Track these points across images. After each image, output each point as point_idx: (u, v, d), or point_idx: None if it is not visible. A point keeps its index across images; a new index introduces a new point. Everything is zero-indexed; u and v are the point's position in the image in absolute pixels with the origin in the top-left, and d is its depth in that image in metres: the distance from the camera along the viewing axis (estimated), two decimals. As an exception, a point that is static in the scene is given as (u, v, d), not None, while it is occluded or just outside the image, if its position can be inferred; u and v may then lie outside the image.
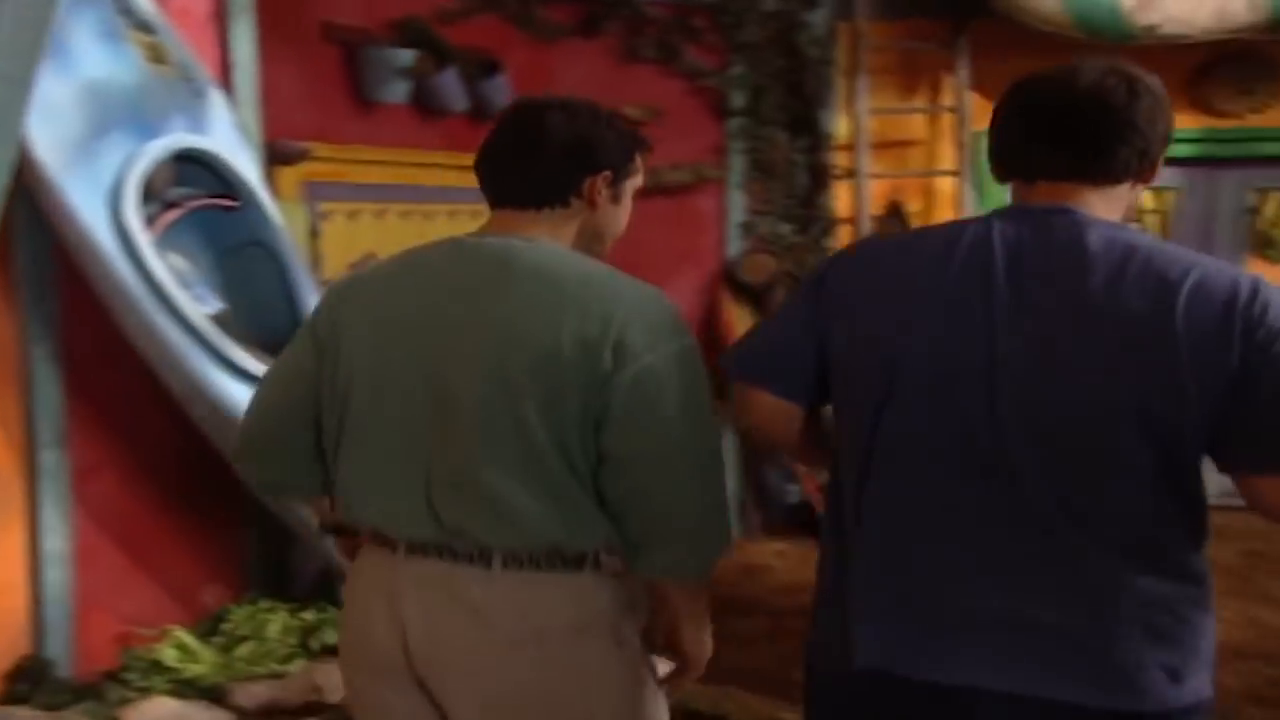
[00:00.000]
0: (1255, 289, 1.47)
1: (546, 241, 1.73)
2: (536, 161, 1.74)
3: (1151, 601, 1.47)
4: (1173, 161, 5.95)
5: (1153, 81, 1.65)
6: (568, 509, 1.62)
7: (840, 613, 1.60)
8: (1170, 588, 1.49)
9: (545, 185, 1.75)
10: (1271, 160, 5.98)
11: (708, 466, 1.70)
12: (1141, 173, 1.63)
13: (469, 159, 5.38)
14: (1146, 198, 6.09)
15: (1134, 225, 1.61)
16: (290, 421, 1.81)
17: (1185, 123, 5.88)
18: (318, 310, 1.85)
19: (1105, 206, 1.61)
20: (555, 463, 1.60)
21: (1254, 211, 6.11)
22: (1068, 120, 1.61)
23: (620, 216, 1.88)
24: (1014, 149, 1.68)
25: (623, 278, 1.72)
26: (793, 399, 1.72)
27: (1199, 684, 1.50)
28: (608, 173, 1.79)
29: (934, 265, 1.59)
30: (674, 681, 1.82)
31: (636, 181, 1.90)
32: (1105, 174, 1.61)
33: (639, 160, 1.89)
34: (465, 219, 4.95)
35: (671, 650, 1.80)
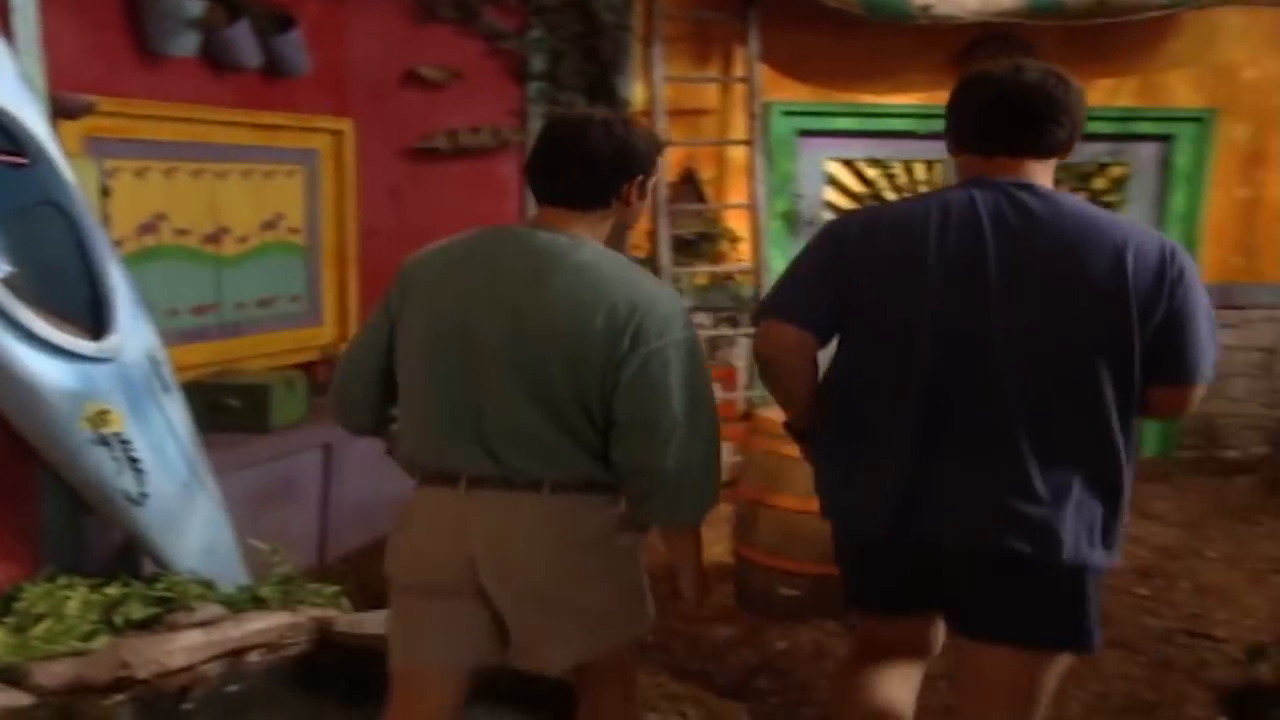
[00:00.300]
0: (1174, 253, 2.05)
1: (589, 239, 2.15)
2: (585, 173, 2.13)
3: (1084, 499, 2.06)
4: (941, 136, 6.40)
5: (1074, 80, 2.14)
6: (593, 453, 2.10)
7: (882, 496, 2.15)
8: (1099, 493, 2.08)
9: (592, 192, 2.15)
10: (1029, 137, 6.45)
11: (695, 434, 2.10)
12: (1067, 149, 2.16)
13: (264, 116, 5.30)
14: (920, 170, 6.49)
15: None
16: (368, 380, 2.26)
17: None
18: (392, 285, 2.24)
19: (1044, 175, 2.15)
20: (580, 419, 2.07)
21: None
22: (1022, 108, 2.10)
23: (642, 208, 2.27)
24: (976, 130, 2.17)
25: (646, 277, 2.17)
26: (810, 331, 2.21)
27: (1104, 557, 2.11)
28: (640, 176, 2.19)
29: (935, 235, 2.08)
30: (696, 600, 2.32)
31: (655, 178, 2.27)
32: (1048, 150, 2.14)
33: (659, 161, 2.28)
34: (259, 179, 4.82)
35: (685, 583, 2.29)
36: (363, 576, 4.29)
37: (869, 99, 6.24)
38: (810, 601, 4.08)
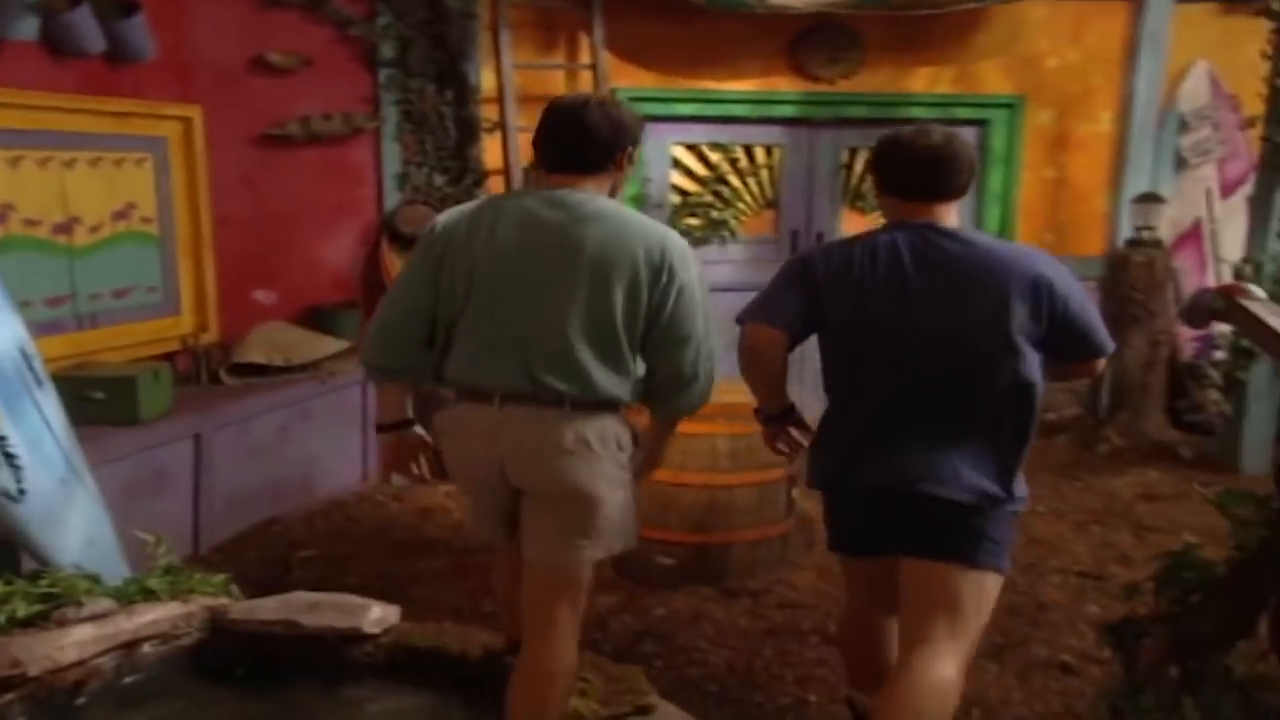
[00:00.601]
0: (1044, 272, 2.62)
1: (599, 195, 2.60)
2: (589, 145, 2.58)
3: (981, 453, 2.64)
4: (778, 121, 6.70)
5: (964, 138, 2.77)
6: (623, 376, 2.57)
7: (835, 456, 2.77)
8: (992, 448, 2.65)
9: (597, 159, 2.60)
10: (859, 122, 6.82)
11: (709, 349, 2.64)
12: (967, 189, 2.75)
13: (110, 103, 5.27)
14: (760, 154, 6.77)
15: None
16: (410, 321, 2.65)
17: (786, 85, 6.63)
18: (430, 240, 2.65)
19: (951, 212, 2.73)
20: (625, 343, 2.54)
21: (846, 168, 6.94)
22: (931, 165, 2.68)
23: (627, 174, 2.72)
24: (898, 183, 2.74)
25: (656, 222, 2.66)
26: (782, 330, 2.73)
27: (1001, 493, 2.65)
28: (629, 147, 2.64)
29: (868, 265, 2.68)
30: (642, 477, 2.82)
31: (639, 149, 2.73)
32: (953, 194, 2.72)
33: (642, 135, 2.72)
34: (108, 167, 4.72)
35: (645, 462, 2.80)
36: (239, 565, 4.29)
37: (710, 85, 6.49)
38: (686, 569, 4.30)
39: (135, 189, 4.85)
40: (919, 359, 2.65)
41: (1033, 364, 2.63)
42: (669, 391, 2.66)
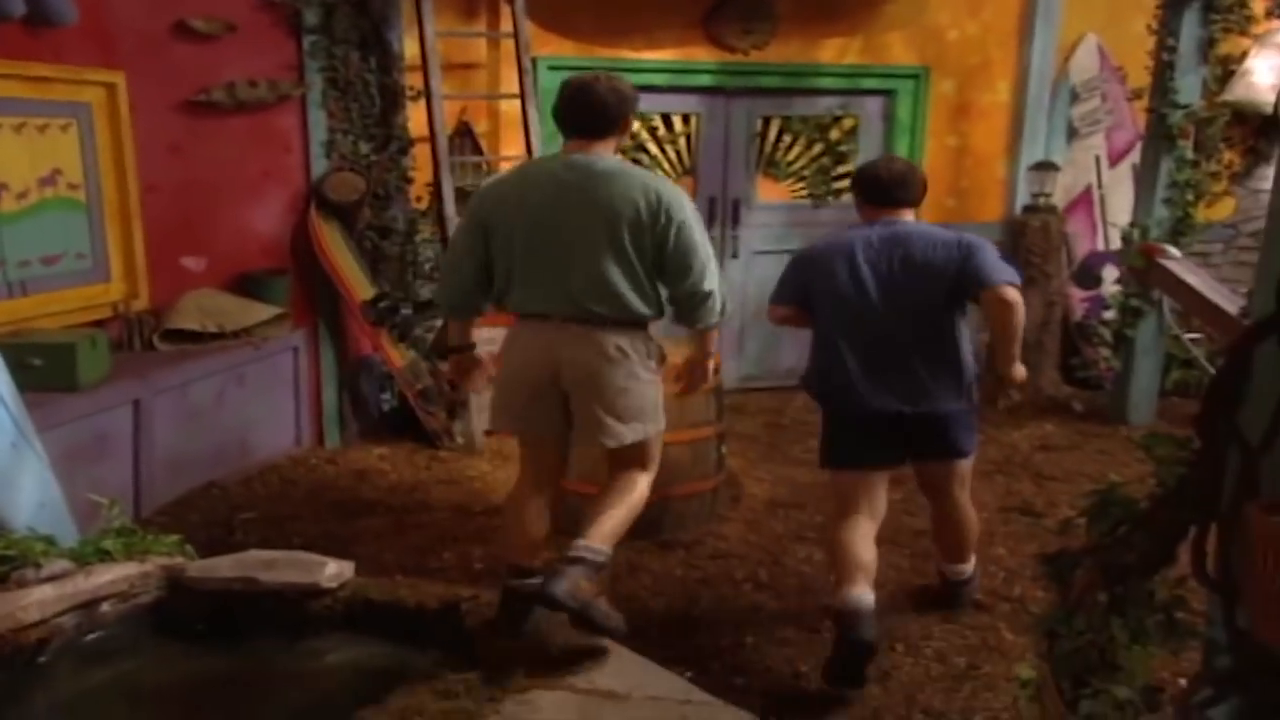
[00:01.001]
0: (964, 240, 3.60)
1: (606, 155, 3.28)
2: (601, 112, 3.26)
3: (941, 374, 3.61)
4: (695, 90, 6.86)
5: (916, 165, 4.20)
6: (645, 298, 3.25)
7: (837, 387, 3.68)
8: (949, 370, 3.62)
9: (607, 125, 3.28)
10: (771, 92, 7.03)
11: (712, 270, 3.27)
12: (922, 201, 3.81)
13: (32, 68, 5.31)
14: (678, 122, 6.93)
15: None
16: (464, 272, 3.38)
17: (702, 55, 6.80)
18: (476, 205, 3.39)
19: (910, 214, 3.75)
20: (642, 274, 3.22)
21: (760, 136, 7.15)
22: (898, 182, 3.72)
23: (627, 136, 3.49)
24: (873, 197, 3.73)
25: (651, 173, 3.40)
26: (796, 305, 3.78)
27: (963, 404, 3.68)
28: (630, 114, 3.34)
29: (846, 257, 3.64)
30: (694, 389, 3.80)
31: (635, 116, 3.43)
32: (911, 204, 3.74)
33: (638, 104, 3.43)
34: (32, 133, 4.70)
35: (691, 374, 3.70)
36: (181, 528, 4.33)
37: (628, 54, 6.62)
38: (622, 522, 4.46)
39: (61, 155, 4.82)
40: (888, 316, 3.59)
41: (959, 311, 3.66)
42: (689, 310, 3.32)
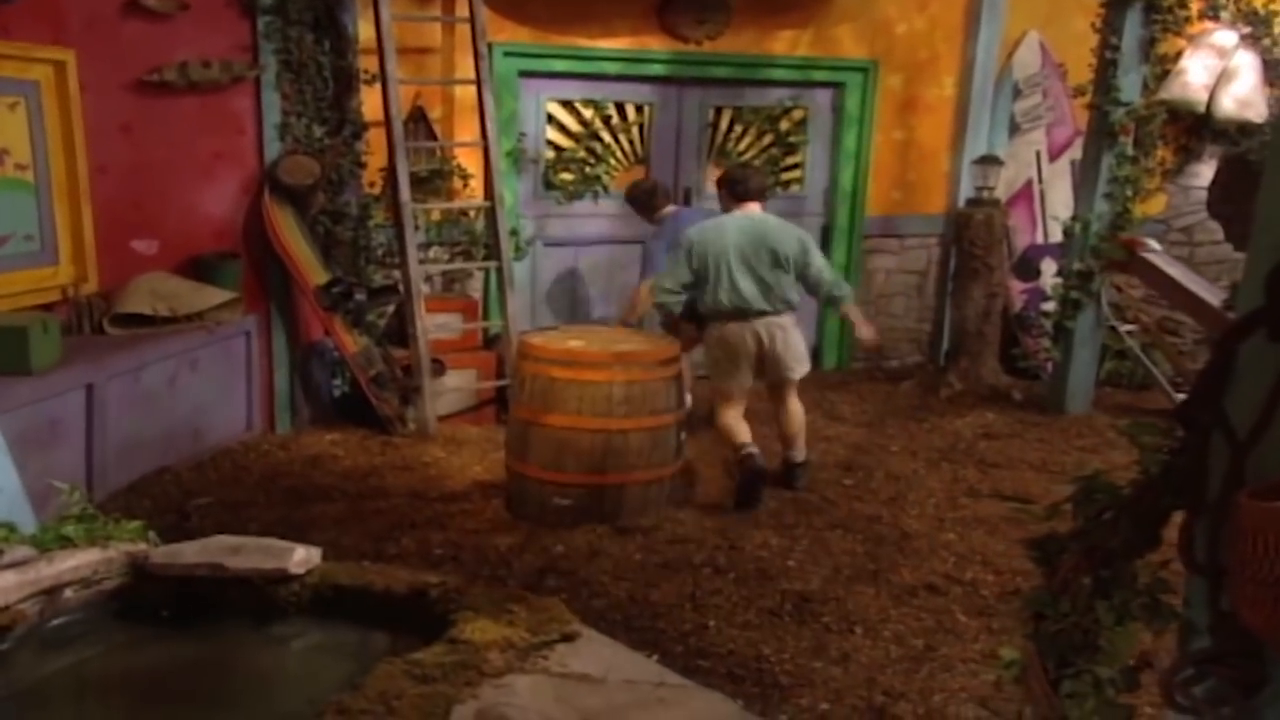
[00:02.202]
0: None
1: (761, 212, 5.32)
2: (758, 187, 5.46)
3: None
4: (648, 79, 6.90)
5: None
6: (794, 295, 5.23)
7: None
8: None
9: (758, 195, 5.38)
10: (724, 82, 7.09)
11: (833, 272, 5.48)
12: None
13: None
14: (631, 111, 6.96)
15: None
16: (678, 283, 5.18)
17: (656, 45, 6.83)
18: (691, 243, 5.16)
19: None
20: (791, 281, 5.18)
21: (712, 126, 7.21)
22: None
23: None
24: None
25: (793, 225, 5.41)
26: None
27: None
28: (766, 189, 5.81)
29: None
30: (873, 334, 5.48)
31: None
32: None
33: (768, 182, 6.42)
34: (-20, 111, 4.60)
35: (866, 328, 5.42)
36: (135, 514, 4.28)
37: (583, 43, 6.64)
38: (581, 508, 4.53)
39: (8, 134, 4.72)
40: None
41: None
42: (825, 293, 5.27)
